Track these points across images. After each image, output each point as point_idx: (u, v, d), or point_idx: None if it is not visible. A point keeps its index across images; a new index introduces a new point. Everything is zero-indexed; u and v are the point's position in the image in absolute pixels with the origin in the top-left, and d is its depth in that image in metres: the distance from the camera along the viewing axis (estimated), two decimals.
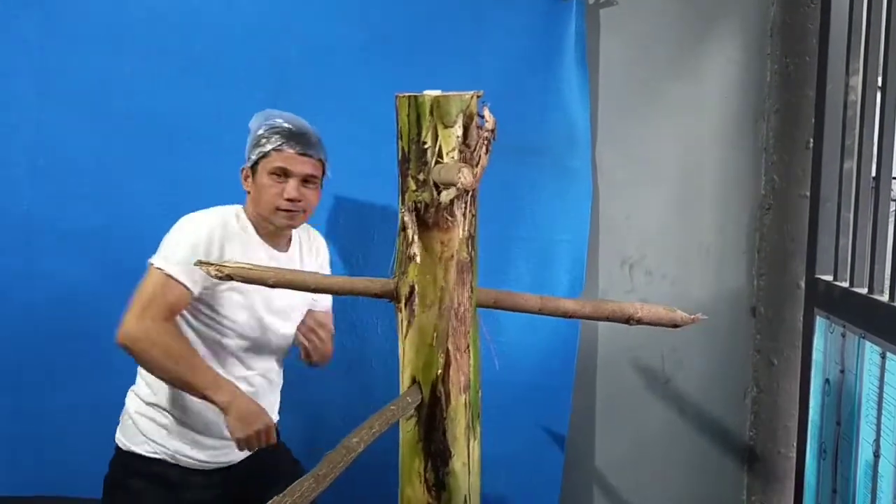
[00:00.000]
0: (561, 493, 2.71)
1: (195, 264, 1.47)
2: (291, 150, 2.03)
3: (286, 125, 2.06)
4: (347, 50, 2.53)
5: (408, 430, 1.45)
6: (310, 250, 2.22)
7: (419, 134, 1.33)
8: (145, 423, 2.09)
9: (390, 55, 2.53)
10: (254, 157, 2.05)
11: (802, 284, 2.45)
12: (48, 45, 2.48)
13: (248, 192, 2.09)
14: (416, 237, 1.35)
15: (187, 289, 1.99)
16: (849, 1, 2.15)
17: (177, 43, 2.49)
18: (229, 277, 1.41)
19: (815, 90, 2.34)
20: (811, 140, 2.42)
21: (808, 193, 2.43)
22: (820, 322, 2.23)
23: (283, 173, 2.03)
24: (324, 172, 2.11)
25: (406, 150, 1.35)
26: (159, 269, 1.99)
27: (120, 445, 2.13)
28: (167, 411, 2.07)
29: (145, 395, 2.10)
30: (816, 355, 2.24)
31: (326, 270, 2.27)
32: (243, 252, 2.03)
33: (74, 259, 2.52)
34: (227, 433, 1.96)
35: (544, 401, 2.67)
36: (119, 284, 2.53)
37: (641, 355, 2.81)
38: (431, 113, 1.32)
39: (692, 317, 1.56)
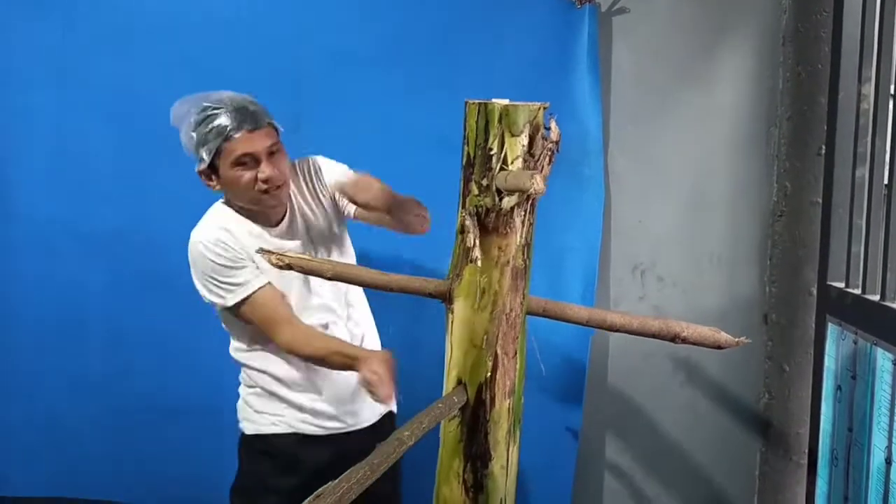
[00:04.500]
0: (573, 497, 2.72)
1: (257, 251, 1.50)
2: (244, 132, 1.90)
3: (225, 110, 1.92)
4: (364, 56, 2.55)
5: (450, 431, 1.47)
6: (302, 190, 2.09)
7: (486, 140, 1.35)
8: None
9: (405, 61, 2.55)
10: (207, 157, 1.94)
11: (814, 291, 2.46)
12: (68, 52, 2.51)
13: (218, 190, 1.99)
14: (477, 241, 1.37)
15: (264, 285, 1.97)
16: (861, 9, 2.16)
17: (194, 49, 2.52)
18: (289, 267, 1.44)
19: (827, 98, 2.35)
20: (823, 147, 2.43)
21: (819, 200, 2.43)
22: (832, 329, 2.23)
23: (250, 158, 1.92)
24: (277, 131, 1.99)
25: (472, 155, 1.38)
26: (238, 304, 1.98)
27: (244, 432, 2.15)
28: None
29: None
30: (828, 362, 2.24)
31: (327, 173, 2.09)
32: (249, 245, 1.99)
33: (93, 262, 2.55)
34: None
35: (557, 404, 2.68)
36: (137, 287, 2.57)
37: (653, 361, 2.82)
38: (500, 121, 1.35)
39: (737, 340, 1.58)
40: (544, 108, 1.37)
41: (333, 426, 2.10)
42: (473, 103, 1.37)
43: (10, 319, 2.59)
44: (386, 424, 2.16)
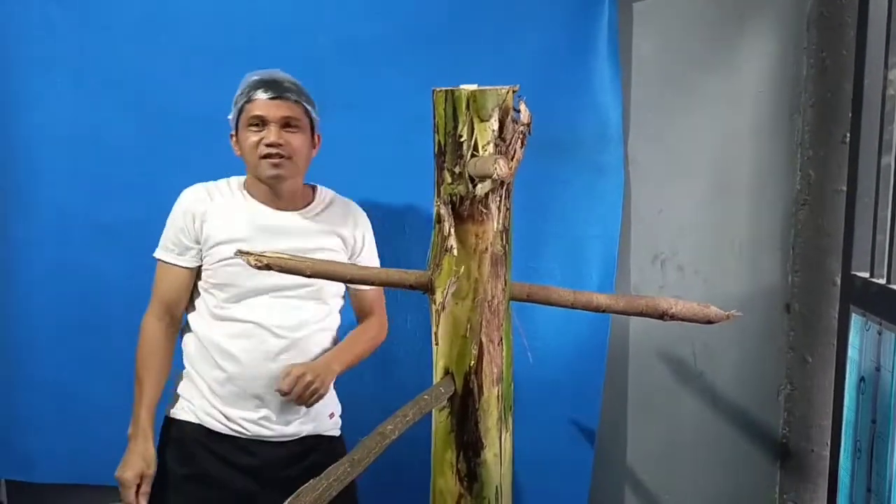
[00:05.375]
0: (591, 489, 2.71)
1: (235, 254, 1.48)
2: (264, 97, 2.00)
3: (256, 77, 2.04)
4: (379, 46, 2.54)
5: (441, 421, 1.47)
6: (345, 217, 2.16)
7: (455, 127, 1.35)
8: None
9: (422, 50, 2.53)
10: (233, 119, 2.05)
11: (838, 281, 2.43)
12: (85, 41, 2.52)
13: (240, 156, 2.07)
14: (452, 230, 1.36)
15: (179, 266, 2.06)
16: None
17: (211, 39, 2.52)
18: (268, 267, 1.44)
19: (852, 84, 2.31)
20: (847, 135, 2.39)
21: (844, 189, 2.39)
22: (855, 319, 2.20)
23: (261, 122, 2.00)
24: (311, 119, 2.07)
25: (442, 143, 1.37)
26: (155, 257, 2.10)
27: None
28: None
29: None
30: (852, 353, 2.21)
31: (368, 244, 2.21)
32: (225, 217, 2.04)
33: (109, 252, 2.57)
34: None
35: (575, 397, 2.67)
36: (153, 278, 2.58)
37: (673, 352, 2.80)
38: (468, 107, 1.33)
39: (726, 313, 1.55)
40: (513, 92, 1.35)
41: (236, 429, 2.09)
42: (440, 91, 1.36)
43: (30, 308, 2.61)
44: (316, 444, 2.13)
